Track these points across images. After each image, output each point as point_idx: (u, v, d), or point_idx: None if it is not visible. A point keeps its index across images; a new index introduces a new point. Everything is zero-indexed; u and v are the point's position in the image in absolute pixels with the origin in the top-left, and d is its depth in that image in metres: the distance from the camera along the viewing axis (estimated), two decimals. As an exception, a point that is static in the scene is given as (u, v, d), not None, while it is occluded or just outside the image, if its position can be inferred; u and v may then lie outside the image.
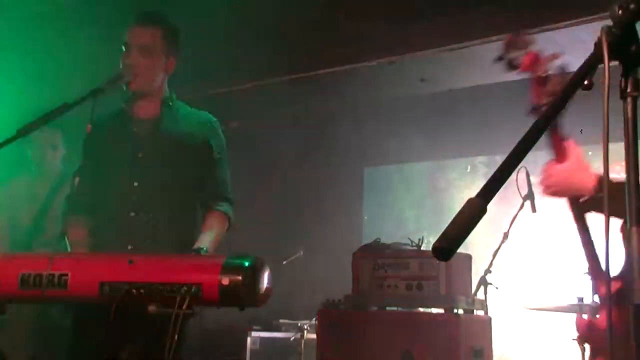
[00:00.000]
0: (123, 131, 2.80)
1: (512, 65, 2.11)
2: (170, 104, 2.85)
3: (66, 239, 2.79)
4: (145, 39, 2.74)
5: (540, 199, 4.46)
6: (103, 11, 4.78)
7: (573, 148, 2.05)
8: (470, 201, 1.12)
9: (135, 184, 2.70)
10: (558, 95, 1.20)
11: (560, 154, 2.05)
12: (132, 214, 2.68)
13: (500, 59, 2.11)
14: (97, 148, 2.83)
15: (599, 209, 2.02)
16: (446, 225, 1.10)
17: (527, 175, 4.37)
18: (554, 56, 2.04)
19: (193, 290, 2.03)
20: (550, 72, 2.01)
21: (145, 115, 2.81)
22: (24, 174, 4.14)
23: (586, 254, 2.11)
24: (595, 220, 2.08)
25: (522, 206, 4.43)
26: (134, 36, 2.74)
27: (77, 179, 2.90)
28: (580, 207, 2.08)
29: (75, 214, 2.83)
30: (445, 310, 3.92)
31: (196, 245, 2.56)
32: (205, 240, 2.62)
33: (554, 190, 2.05)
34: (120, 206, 2.70)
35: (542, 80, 2.04)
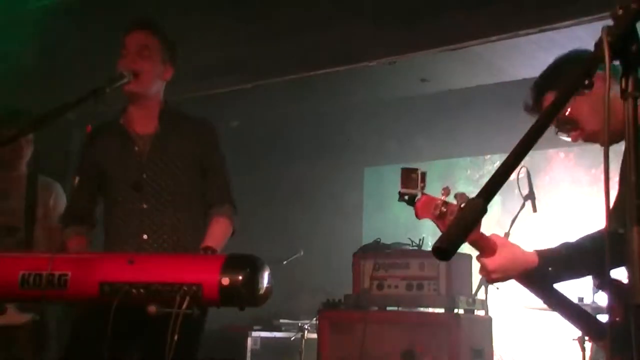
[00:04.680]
0: (124, 151, 2.78)
1: (411, 203, 2.15)
2: (167, 115, 2.83)
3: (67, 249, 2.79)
4: (143, 42, 2.74)
5: (541, 199, 4.47)
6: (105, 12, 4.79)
7: (495, 237, 2.04)
8: (470, 201, 1.12)
9: (145, 206, 2.70)
10: (559, 96, 1.20)
11: (486, 248, 2.03)
12: (145, 236, 2.68)
13: (399, 195, 2.15)
14: (97, 162, 2.82)
15: (560, 278, 2.02)
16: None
17: (528, 175, 4.36)
18: (444, 192, 2.08)
19: (193, 290, 2.03)
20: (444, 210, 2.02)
21: (144, 131, 2.79)
22: None
23: (574, 321, 2.09)
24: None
25: (522, 206, 4.43)
26: (131, 40, 2.74)
27: (75, 184, 2.90)
28: (540, 283, 2.06)
29: (73, 225, 2.82)
30: (445, 310, 3.92)
31: (204, 244, 2.56)
32: (212, 243, 2.62)
33: (501, 280, 2.04)
34: (132, 229, 2.70)
35: (442, 216, 2.05)
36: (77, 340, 2.59)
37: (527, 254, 2.00)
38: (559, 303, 2.10)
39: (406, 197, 2.12)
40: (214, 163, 2.83)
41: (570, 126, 2.18)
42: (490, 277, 2.02)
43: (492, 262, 1.99)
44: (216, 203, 2.80)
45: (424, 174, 2.13)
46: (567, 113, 2.15)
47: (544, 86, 2.21)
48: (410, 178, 2.13)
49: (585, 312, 2.11)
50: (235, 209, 2.84)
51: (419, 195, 2.09)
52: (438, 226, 2.05)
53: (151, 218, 2.69)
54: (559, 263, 1.97)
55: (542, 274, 1.98)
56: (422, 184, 2.11)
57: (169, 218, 2.71)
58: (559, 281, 2.03)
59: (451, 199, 2.09)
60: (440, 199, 2.05)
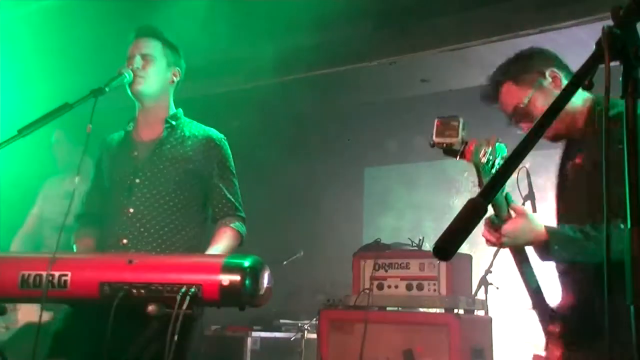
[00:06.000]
0: (124, 156, 2.80)
1: (449, 152, 2.17)
2: (174, 122, 2.84)
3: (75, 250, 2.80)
4: (147, 48, 2.78)
5: (541, 198, 4.47)
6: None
7: (514, 205, 2.17)
8: (471, 201, 1.12)
9: (131, 210, 2.70)
10: (558, 96, 1.20)
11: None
12: (125, 241, 2.67)
13: (432, 145, 2.18)
14: (103, 169, 2.86)
15: (563, 257, 2.12)
16: (447, 225, 1.10)
17: (528, 175, 4.36)
18: (492, 139, 2.13)
19: (193, 290, 2.03)
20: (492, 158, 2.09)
21: (148, 137, 2.81)
22: (57, 174, 4.19)
23: (530, 292, 2.25)
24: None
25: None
26: (136, 47, 2.78)
27: (85, 194, 2.92)
28: (525, 261, 2.21)
29: (84, 227, 2.83)
30: (445, 310, 3.92)
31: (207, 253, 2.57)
32: (214, 251, 2.62)
33: (507, 244, 2.17)
34: (116, 233, 2.70)
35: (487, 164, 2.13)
36: (64, 339, 2.58)
37: (539, 227, 2.09)
38: (528, 284, 2.24)
39: (444, 146, 2.14)
40: (218, 178, 2.81)
41: (523, 117, 2.28)
42: (499, 240, 2.12)
43: (505, 226, 2.10)
44: (222, 217, 2.79)
45: (465, 123, 2.16)
46: (522, 104, 2.24)
47: (501, 77, 2.34)
48: (449, 126, 2.15)
49: (544, 299, 2.26)
50: (244, 223, 2.83)
51: (460, 144, 2.12)
52: (479, 174, 2.12)
53: (135, 223, 2.69)
54: (565, 243, 2.05)
55: (548, 249, 2.07)
56: (463, 132, 2.14)
57: (156, 224, 2.70)
58: (562, 260, 2.12)
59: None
60: (490, 147, 2.10)
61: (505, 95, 2.34)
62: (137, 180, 2.73)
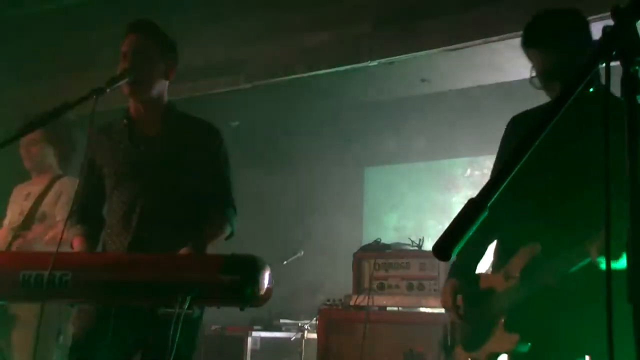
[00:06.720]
0: (130, 150, 2.77)
1: None
2: (175, 117, 2.84)
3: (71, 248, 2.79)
4: (142, 45, 2.74)
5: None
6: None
7: None
8: (471, 201, 1.12)
9: (149, 205, 2.70)
10: (560, 95, 1.20)
11: None
12: (146, 234, 2.68)
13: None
14: (103, 162, 2.82)
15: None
16: (447, 225, 1.10)
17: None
18: None
19: (193, 290, 2.03)
20: None
21: (149, 131, 2.80)
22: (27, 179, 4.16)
23: None
24: None
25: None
26: (130, 44, 2.75)
27: (79, 188, 2.90)
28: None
29: (79, 224, 2.82)
30: (446, 310, 3.92)
31: (189, 244, 2.55)
32: (196, 243, 2.61)
33: None
34: (135, 228, 2.70)
35: None
36: (80, 340, 2.60)
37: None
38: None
39: None
40: (215, 168, 2.83)
41: (553, 81, 2.32)
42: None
43: None
44: (215, 206, 2.80)
45: None
46: (554, 70, 2.31)
47: (544, 36, 2.46)
48: None
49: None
50: (235, 211, 2.84)
51: None
52: None
53: (154, 217, 2.70)
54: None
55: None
56: None
57: (172, 217, 2.71)
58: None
59: None
60: None
61: (544, 55, 2.38)
62: (149, 174, 2.73)
